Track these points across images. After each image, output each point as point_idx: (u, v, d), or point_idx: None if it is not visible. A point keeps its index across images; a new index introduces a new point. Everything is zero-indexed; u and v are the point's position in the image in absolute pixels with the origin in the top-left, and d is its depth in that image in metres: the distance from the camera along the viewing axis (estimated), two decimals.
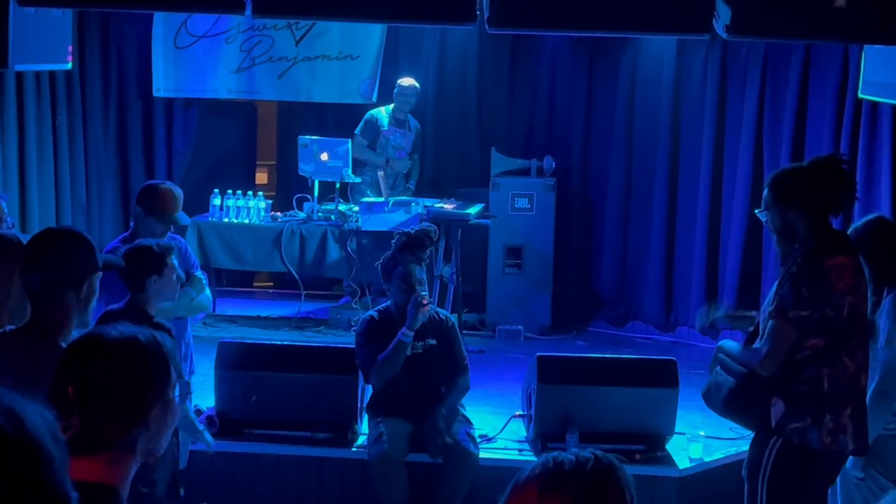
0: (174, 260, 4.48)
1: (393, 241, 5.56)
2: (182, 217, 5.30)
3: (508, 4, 5.12)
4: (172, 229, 5.30)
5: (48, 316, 2.91)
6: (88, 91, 8.68)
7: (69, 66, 7.14)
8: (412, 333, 5.29)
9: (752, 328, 4.27)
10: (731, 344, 4.16)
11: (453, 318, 5.74)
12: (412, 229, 5.61)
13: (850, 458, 4.21)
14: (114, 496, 1.93)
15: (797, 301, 3.82)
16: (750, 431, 4.21)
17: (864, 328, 4.03)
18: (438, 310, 5.70)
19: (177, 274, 4.48)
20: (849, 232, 4.49)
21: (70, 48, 6.79)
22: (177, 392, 2.09)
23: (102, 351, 1.99)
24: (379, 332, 5.38)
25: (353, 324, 8.34)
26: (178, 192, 5.31)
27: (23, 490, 1.10)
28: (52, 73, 7.85)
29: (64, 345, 2.93)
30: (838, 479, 4.43)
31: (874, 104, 6.88)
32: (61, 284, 2.89)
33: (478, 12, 5.18)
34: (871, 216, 4.67)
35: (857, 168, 6.89)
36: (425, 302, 5.29)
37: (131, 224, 5.32)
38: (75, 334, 2.89)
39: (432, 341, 5.46)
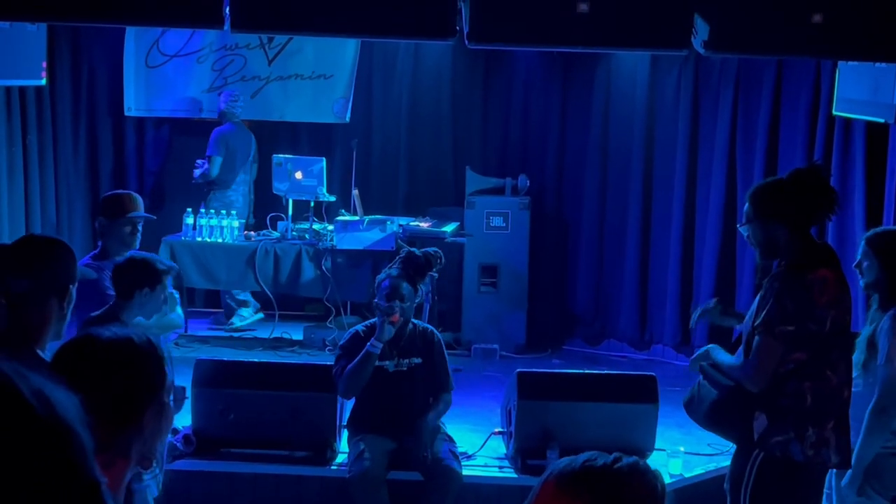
0: (169, 283, 4.50)
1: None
2: (141, 213, 5.22)
3: (488, 19, 5.13)
4: (140, 234, 5.19)
5: (28, 323, 2.85)
6: (59, 109, 8.61)
7: (43, 81, 7.08)
8: (380, 345, 5.22)
9: (734, 337, 4.27)
10: (720, 354, 4.12)
11: (440, 334, 5.64)
12: (420, 249, 5.52)
13: (847, 474, 4.20)
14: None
15: (782, 316, 3.81)
16: (732, 444, 4.20)
17: (847, 342, 4.03)
18: (426, 326, 5.59)
19: (165, 296, 4.51)
20: (871, 232, 4.48)
21: (44, 64, 6.73)
22: (171, 397, 2.05)
23: (96, 352, 1.95)
24: (359, 346, 5.33)
25: (327, 343, 8.30)
26: (136, 195, 5.29)
27: (55, 475, 1.06)
28: (22, 91, 7.77)
29: (41, 353, 2.87)
30: (833, 496, 4.42)
31: (847, 121, 6.94)
32: (46, 291, 2.84)
33: (457, 28, 5.19)
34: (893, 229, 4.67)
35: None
36: (395, 315, 5.22)
37: (99, 242, 5.22)
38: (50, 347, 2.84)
39: (417, 360, 5.37)
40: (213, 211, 8.54)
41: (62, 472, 1.07)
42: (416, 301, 5.53)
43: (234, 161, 8.82)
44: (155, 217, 5.47)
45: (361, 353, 5.22)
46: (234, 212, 8.58)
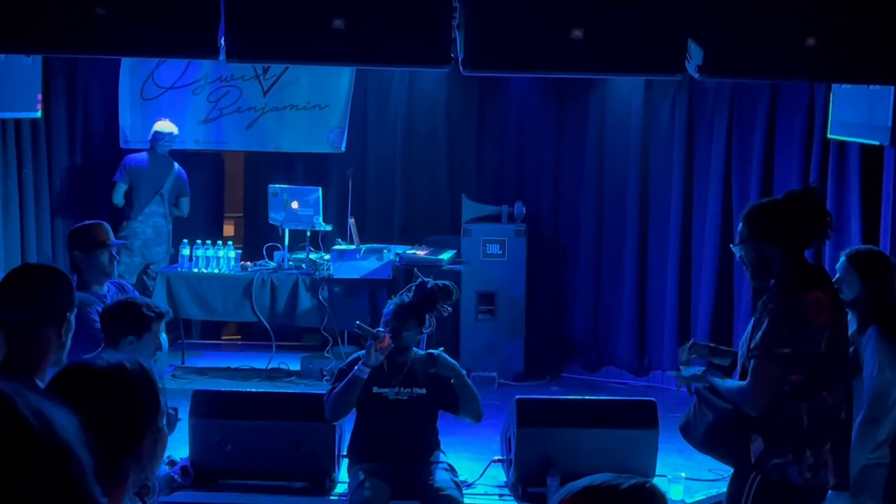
0: (161, 328, 4.36)
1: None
2: (117, 241, 5.27)
3: (482, 47, 5.15)
4: (117, 263, 5.20)
5: (25, 353, 2.83)
6: (54, 141, 8.62)
7: (38, 114, 7.09)
8: (367, 369, 5.13)
9: (729, 361, 4.24)
10: (719, 378, 4.10)
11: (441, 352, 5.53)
12: (433, 282, 5.37)
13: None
14: None
15: (778, 339, 3.80)
16: (729, 467, 4.18)
17: (844, 362, 4.02)
18: (429, 351, 5.41)
19: (158, 343, 4.35)
20: (852, 251, 4.52)
21: (39, 96, 6.74)
22: (164, 420, 2.03)
23: (90, 381, 1.93)
24: None
25: (325, 373, 8.26)
26: (106, 224, 5.30)
27: (55, 496, 1.04)
28: (17, 123, 7.78)
29: (40, 383, 2.85)
30: None
31: (842, 144, 6.96)
32: (43, 320, 2.82)
33: (452, 56, 5.20)
34: (874, 249, 4.72)
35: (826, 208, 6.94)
36: (385, 340, 5.14)
37: (75, 276, 5.08)
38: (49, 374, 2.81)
39: (421, 391, 5.29)
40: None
41: (61, 493, 1.05)
42: (426, 331, 5.43)
43: (139, 192, 8.65)
44: (127, 243, 5.47)
45: (348, 377, 5.18)
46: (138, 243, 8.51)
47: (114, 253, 5.14)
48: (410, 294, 5.32)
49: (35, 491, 1.03)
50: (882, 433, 4.32)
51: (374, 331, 5.17)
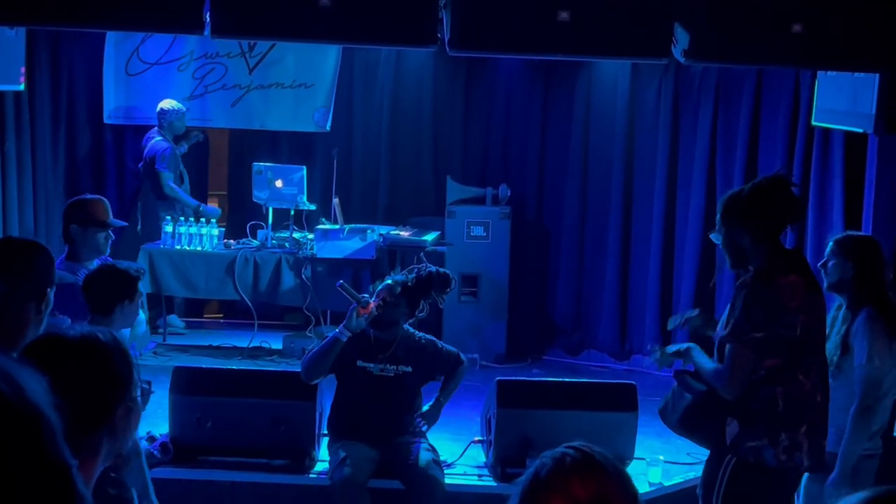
0: (140, 286, 4.46)
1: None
2: (115, 221, 5.21)
3: (469, 27, 5.13)
4: (111, 240, 5.17)
5: (4, 327, 2.81)
6: (37, 115, 8.56)
7: (22, 87, 7.03)
8: (348, 333, 5.15)
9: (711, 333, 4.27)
10: (701, 357, 4.11)
11: (431, 336, 5.60)
12: (435, 269, 5.41)
13: (832, 475, 4.23)
14: None
15: (751, 323, 3.82)
16: (705, 450, 4.20)
17: (819, 346, 4.04)
18: (421, 335, 5.51)
19: (142, 300, 4.48)
20: (842, 236, 4.56)
21: (23, 69, 6.69)
22: (138, 392, 2.03)
23: (63, 352, 1.92)
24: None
25: (306, 352, 8.24)
26: (105, 200, 5.23)
27: (25, 458, 1.05)
28: (0, 96, 7.72)
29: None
30: (801, 497, 4.44)
31: (826, 132, 6.97)
32: (24, 295, 2.79)
33: (438, 36, 5.19)
34: (865, 234, 4.75)
35: (809, 195, 6.97)
36: (369, 307, 5.15)
37: (66, 247, 5.07)
38: None
39: (406, 368, 5.31)
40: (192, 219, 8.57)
41: (32, 455, 1.05)
42: (418, 314, 5.43)
43: None
44: (126, 224, 5.39)
45: (328, 337, 5.20)
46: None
47: (110, 233, 5.11)
48: (412, 274, 5.33)
49: (5, 453, 1.03)
50: (874, 423, 4.33)
51: (360, 296, 5.20)
